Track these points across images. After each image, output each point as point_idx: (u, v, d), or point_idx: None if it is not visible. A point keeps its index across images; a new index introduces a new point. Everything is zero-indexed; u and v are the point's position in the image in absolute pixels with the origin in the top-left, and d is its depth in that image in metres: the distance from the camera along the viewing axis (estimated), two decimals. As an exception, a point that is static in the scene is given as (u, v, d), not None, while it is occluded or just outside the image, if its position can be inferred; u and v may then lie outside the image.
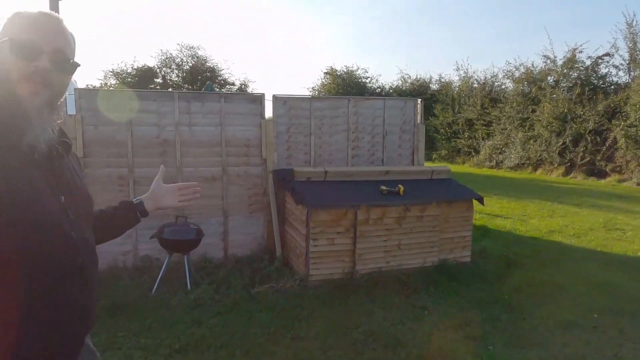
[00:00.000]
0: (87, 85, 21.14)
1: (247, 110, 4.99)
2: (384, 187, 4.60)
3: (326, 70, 24.38)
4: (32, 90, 0.98)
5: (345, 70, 23.80)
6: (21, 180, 0.96)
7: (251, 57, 48.60)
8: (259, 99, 5.08)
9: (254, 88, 24.93)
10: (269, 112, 5.37)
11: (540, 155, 15.45)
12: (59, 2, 10.08)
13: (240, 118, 4.97)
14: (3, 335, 0.93)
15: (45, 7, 9.68)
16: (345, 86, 22.95)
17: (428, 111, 20.08)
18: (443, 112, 20.25)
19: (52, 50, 1.01)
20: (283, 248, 4.87)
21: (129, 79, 22.46)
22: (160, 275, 4.13)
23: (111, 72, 22.61)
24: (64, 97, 1.10)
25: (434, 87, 23.04)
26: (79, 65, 1.10)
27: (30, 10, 1.05)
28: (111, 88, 20.98)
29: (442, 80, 22.93)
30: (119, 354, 3.03)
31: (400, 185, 4.61)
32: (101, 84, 22.61)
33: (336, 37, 51.69)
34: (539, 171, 15.47)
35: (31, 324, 0.96)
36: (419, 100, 5.81)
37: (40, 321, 0.98)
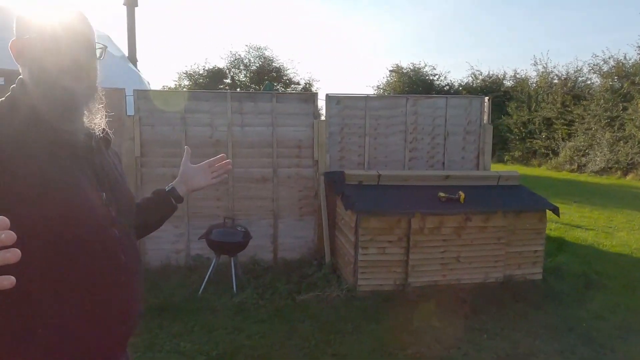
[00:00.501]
0: (163, 86, 22.54)
1: (299, 110, 4.85)
2: (442, 194, 4.22)
3: (392, 68, 23.79)
4: (76, 77, 0.99)
5: (411, 67, 23.05)
6: (63, 177, 0.96)
7: (317, 56, 49.00)
8: (311, 98, 4.91)
9: (318, 87, 25.01)
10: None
11: (632, 159, 13.77)
12: (135, 8, 10.72)
13: (292, 118, 4.84)
14: (43, 332, 0.93)
15: (122, 14, 10.32)
16: (412, 84, 22.22)
17: (500, 109, 18.81)
18: (517, 111, 18.79)
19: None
20: (333, 255, 4.67)
21: (200, 80, 23.57)
22: (207, 277, 4.11)
23: (185, 73, 23.88)
24: (99, 84, 1.09)
25: (508, 83, 21.53)
26: (105, 47, 1.10)
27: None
28: (184, 89, 22.11)
29: (518, 76, 21.35)
30: (158, 356, 3.01)
31: (460, 192, 4.20)
32: (175, 85, 23.95)
33: (404, 34, 50.42)
34: (629, 176, 13.78)
35: (71, 321, 0.96)
36: (486, 98, 5.31)
37: (81, 319, 0.98)
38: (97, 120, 1.05)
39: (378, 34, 51.99)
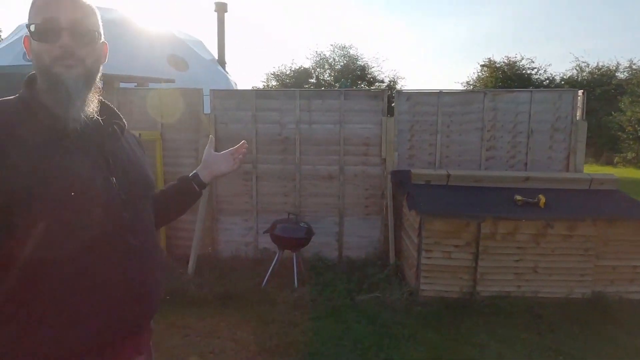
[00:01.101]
0: (252, 87, 23.78)
1: (367, 107, 4.76)
2: (519, 197, 3.85)
3: (483, 63, 22.40)
4: (66, 65, 1.01)
5: (505, 61, 21.48)
6: (61, 162, 0.98)
7: (404, 53, 47.83)
8: (380, 95, 4.79)
9: (403, 85, 24.46)
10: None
11: None
12: (225, 13, 11.40)
13: (360, 115, 4.76)
14: (57, 313, 0.97)
15: (213, 19, 11.03)
16: (506, 79, 20.71)
17: (611, 105, 16.71)
18: (632, 106, 16.53)
19: (70, 25, 1.01)
20: (397, 256, 4.51)
21: (287, 81, 24.41)
22: (270, 270, 4.23)
23: (272, 74, 24.92)
24: (100, 71, 1.11)
25: (622, 75, 19.06)
26: (100, 33, 1.08)
27: None
28: (271, 89, 23.06)
29: (634, 67, 18.79)
30: (216, 342, 3.15)
31: (540, 196, 3.79)
32: (263, 85, 25.09)
33: (498, 25, 47.09)
34: None
35: (80, 303, 0.99)
36: (580, 91, 4.72)
37: (89, 301, 1.00)
38: (90, 107, 1.06)
39: (469, 27, 49.25)
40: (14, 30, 9.79)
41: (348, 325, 3.42)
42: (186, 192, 1.46)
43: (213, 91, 4.81)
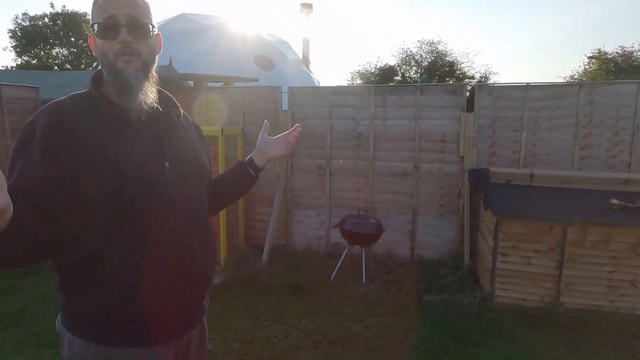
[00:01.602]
0: (337, 85, 24.06)
1: (444, 103, 4.58)
2: (615, 200, 3.44)
3: (591, 54, 20.15)
4: (126, 60, 1.10)
5: (619, 51, 19.10)
6: (121, 147, 1.08)
7: (497, 47, 44.80)
8: (459, 89, 4.58)
9: (495, 81, 22.98)
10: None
11: None
12: (310, 14, 11.71)
13: (437, 111, 4.60)
14: (110, 283, 1.08)
15: (299, 20, 11.39)
16: (619, 71, 18.40)
17: None
18: None
19: (127, 22, 1.09)
20: (472, 259, 4.29)
21: (372, 79, 24.28)
22: (339, 264, 4.28)
23: (357, 73, 24.95)
24: (155, 63, 1.19)
25: None
26: (154, 26, 1.16)
27: None
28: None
29: None
30: (281, 329, 3.29)
31: (643, 200, 3.35)
32: (348, 83, 25.24)
33: (609, 13, 41.91)
34: None
35: (131, 276, 1.08)
36: None
37: (138, 275, 1.09)
38: (149, 97, 1.14)
39: (575, 16, 44.52)
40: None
41: (413, 325, 3.35)
42: (242, 176, 1.51)
43: (291, 89, 4.98)
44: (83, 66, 27.31)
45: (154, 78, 1.18)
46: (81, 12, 28.43)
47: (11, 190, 0.99)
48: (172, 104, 1.28)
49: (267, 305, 3.66)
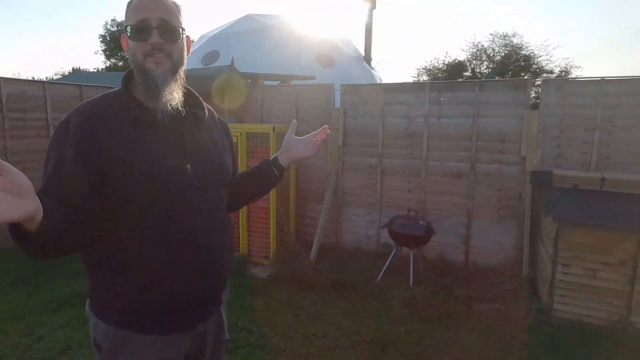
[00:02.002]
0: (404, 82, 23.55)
1: (505, 99, 4.28)
2: (703, 211, 3.00)
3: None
4: (155, 62, 1.15)
5: None
6: (144, 146, 1.14)
7: (582, 38, 41.10)
8: (523, 85, 4.25)
9: (577, 75, 21.14)
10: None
11: None
12: (373, 10, 11.54)
13: (496, 108, 4.32)
14: (132, 274, 1.15)
15: (362, 17, 11.31)
16: None
17: None
18: None
19: (158, 24, 1.14)
20: (531, 267, 3.98)
21: (439, 75, 23.48)
22: (386, 265, 4.19)
23: (424, 69, 24.25)
24: (184, 65, 1.23)
25: None
26: (184, 29, 1.20)
27: None
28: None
29: None
30: (321, 326, 3.29)
31: None
32: (414, 80, 24.60)
33: None
34: None
35: (152, 268, 1.15)
36: None
37: (159, 268, 1.16)
38: (175, 99, 1.17)
39: (683, 0, 39.42)
40: (197, 40, 11.65)
41: (458, 333, 3.18)
42: (266, 175, 1.52)
43: (343, 86, 4.95)
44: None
45: (182, 79, 1.22)
46: (161, 16, 30.52)
47: (45, 187, 1.09)
48: (198, 105, 1.31)
49: (310, 302, 3.68)
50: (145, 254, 1.15)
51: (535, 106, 4.20)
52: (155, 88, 1.14)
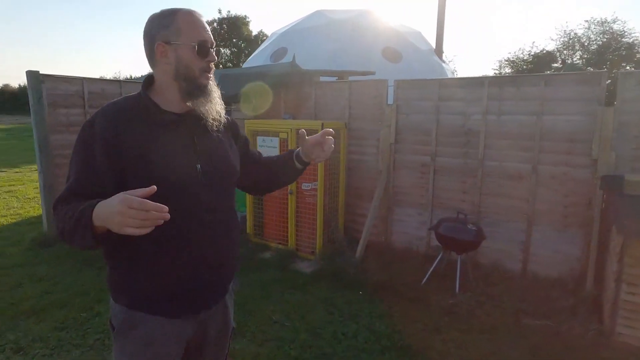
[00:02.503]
0: (494, 73, 22.24)
1: (575, 95, 3.85)
2: None
3: None
4: (207, 77, 1.31)
5: None
6: (159, 146, 1.25)
7: None
8: (595, 79, 3.79)
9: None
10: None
11: None
12: (446, 1, 11.02)
13: (564, 105, 3.90)
14: (145, 262, 1.28)
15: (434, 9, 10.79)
16: None
17: None
18: None
19: (212, 44, 1.31)
20: (597, 283, 3.56)
21: (523, 66, 21.83)
22: (431, 269, 4.02)
23: (506, 61, 22.65)
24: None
25: None
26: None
27: (186, 8, 1.30)
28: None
29: None
30: (352, 327, 3.24)
31: None
32: (494, 73, 23.10)
33: None
34: None
35: (162, 258, 1.27)
36: None
37: (168, 258, 1.27)
38: (217, 106, 1.33)
39: None
40: (268, 37, 12.00)
41: (500, 349, 2.95)
42: (288, 165, 1.59)
43: (397, 81, 4.79)
44: (241, 64, 30.70)
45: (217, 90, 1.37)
46: (242, 15, 31.95)
47: (75, 182, 1.21)
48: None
49: (346, 301, 3.65)
50: (154, 245, 1.25)
51: (610, 103, 3.72)
52: (207, 97, 1.30)
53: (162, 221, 1.03)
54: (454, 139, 4.51)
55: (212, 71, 1.33)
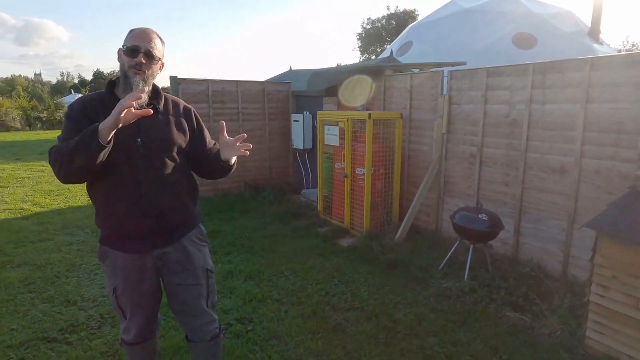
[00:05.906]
0: None
1: (624, 80, 3.37)
2: None
3: None
4: (134, 72, 1.71)
5: None
6: (119, 130, 1.62)
7: None
8: (647, 59, 3.25)
9: None
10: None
11: None
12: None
13: (611, 91, 3.45)
14: (105, 213, 1.83)
15: None
16: None
17: None
18: None
19: (145, 50, 1.72)
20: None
21: None
22: (447, 257, 4.10)
23: None
24: (154, 77, 1.81)
25: None
26: (160, 58, 1.79)
27: (139, 27, 1.78)
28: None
29: None
30: (339, 288, 3.72)
31: None
32: None
33: None
34: None
35: (114, 213, 1.79)
36: None
37: (118, 212, 1.78)
38: (145, 95, 1.75)
39: None
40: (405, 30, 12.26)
41: (453, 329, 3.05)
42: (217, 159, 1.93)
43: (450, 72, 4.82)
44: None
45: (150, 86, 1.81)
46: (410, 9, 32.05)
47: (64, 138, 1.90)
48: (158, 98, 1.87)
49: (354, 270, 4.09)
50: (108, 196, 1.77)
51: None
52: (130, 88, 1.71)
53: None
54: (498, 129, 4.37)
55: (142, 70, 1.71)
